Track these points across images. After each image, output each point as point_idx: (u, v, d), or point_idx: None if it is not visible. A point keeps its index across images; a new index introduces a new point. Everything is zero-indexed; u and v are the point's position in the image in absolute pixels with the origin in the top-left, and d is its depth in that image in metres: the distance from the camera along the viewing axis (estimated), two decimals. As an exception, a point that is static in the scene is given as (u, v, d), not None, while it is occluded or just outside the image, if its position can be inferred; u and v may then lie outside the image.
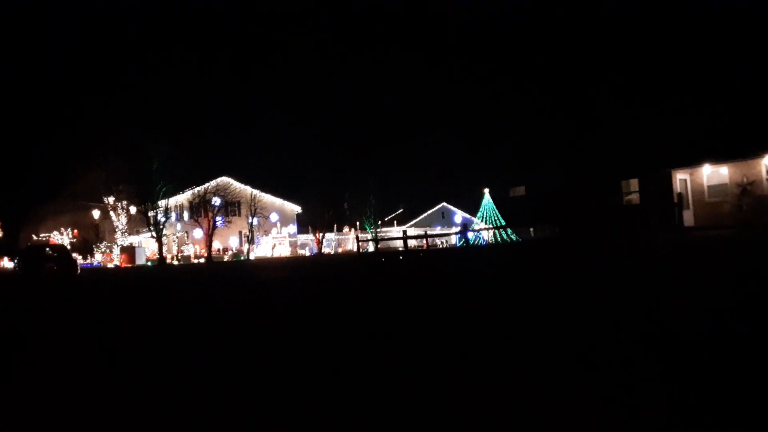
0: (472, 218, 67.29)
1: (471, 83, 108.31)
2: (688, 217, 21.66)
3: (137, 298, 12.19)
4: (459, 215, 67.11)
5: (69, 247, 53.99)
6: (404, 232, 35.29)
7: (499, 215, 57.94)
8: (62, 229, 56.24)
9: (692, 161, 20.99)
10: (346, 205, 49.31)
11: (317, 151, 54.64)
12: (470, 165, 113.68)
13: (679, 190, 21.59)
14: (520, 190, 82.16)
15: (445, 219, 65.74)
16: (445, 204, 66.09)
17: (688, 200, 21.61)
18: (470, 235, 51.19)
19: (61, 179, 51.68)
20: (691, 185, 21.80)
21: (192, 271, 27.22)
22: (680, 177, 21.76)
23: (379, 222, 55.73)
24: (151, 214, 40.93)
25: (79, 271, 20.27)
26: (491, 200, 58.56)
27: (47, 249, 21.36)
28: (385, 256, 24.14)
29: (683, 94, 20.94)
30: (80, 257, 54.84)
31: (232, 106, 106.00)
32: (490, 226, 54.33)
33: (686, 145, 20.68)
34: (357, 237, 38.19)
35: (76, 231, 57.57)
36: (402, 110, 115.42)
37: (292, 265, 28.30)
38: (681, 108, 20.78)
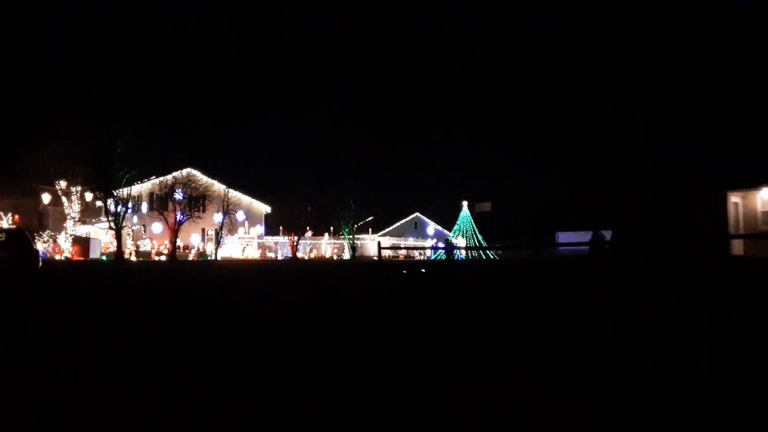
0: (445, 231, 65.43)
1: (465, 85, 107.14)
2: (737, 246, 19.99)
3: (128, 302, 9.09)
4: (432, 227, 65.08)
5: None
6: (448, 241, 32.60)
7: (476, 229, 56.17)
8: (0, 213, 50.64)
9: (748, 183, 19.40)
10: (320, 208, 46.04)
11: (294, 149, 51.38)
12: (446, 176, 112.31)
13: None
14: (486, 206, 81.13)
15: (418, 229, 63.54)
16: (418, 214, 63.92)
17: (738, 226, 20.01)
18: (457, 251, 49.25)
19: (3, 156, 46.35)
20: (743, 210, 20.23)
21: (164, 270, 23.68)
22: (733, 200, 20.15)
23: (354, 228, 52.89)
24: (110, 202, 36.62)
25: (40, 265, 16.44)
26: (469, 213, 56.74)
27: (3, 233, 16.74)
28: (405, 267, 21.42)
29: (741, 107, 19.28)
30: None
31: (202, 94, 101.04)
32: (475, 245, 52.36)
33: (741, 165, 19.02)
34: (379, 244, 35.08)
35: (17, 216, 52.02)
36: (380, 114, 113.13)
37: (275, 269, 25.15)
38: (736, 123, 19.12)
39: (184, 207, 39.53)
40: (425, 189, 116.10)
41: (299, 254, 45.82)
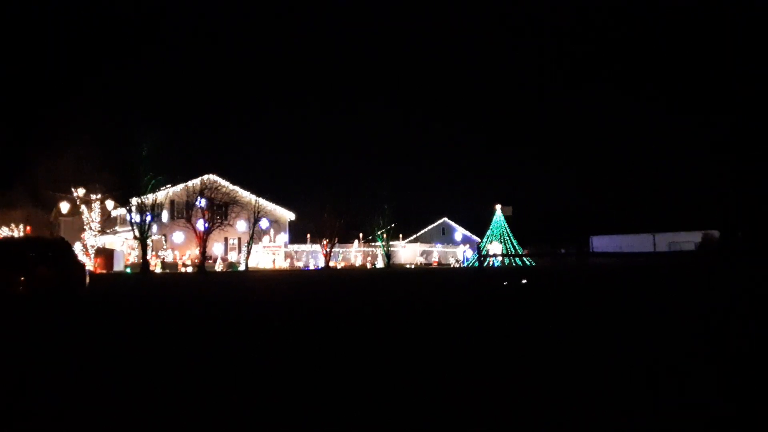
0: (473, 236, 62.73)
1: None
2: None
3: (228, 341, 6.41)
4: (459, 232, 62.41)
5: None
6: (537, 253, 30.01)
7: (511, 234, 53.47)
8: (12, 225, 48.01)
9: None
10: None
11: (315, 153, 48.78)
12: (469, 180, 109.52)
13: None
14: (506, 211, 78.41)
15: (446, 235, 60.82)
16: (446, 219, 61.21)
17: None
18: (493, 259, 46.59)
19: (18, 164, 43.82)
20: None
21: (206, 285, 20.98)
22: None
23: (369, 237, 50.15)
24: (134, 209, 33.89)
25: (88, 281, 13.63)
26: (503, 217, 54.04)
27: (32, 244, 13.85)
28: (506, 279, 18.70)
29: None
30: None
31: (225, 99, 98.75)
32: (513, 252, 49.59)
33: None
34: (503, 251, 32.31)
35: (29, 228, 49.38)
36: (402, 116, 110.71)
37: (328, 282, 22.42)
38: None
39: (211, 215, 36.80)
40: (451, 193, 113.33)
41: (332, 263, 43.07)
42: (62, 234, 54.60)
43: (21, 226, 47.38)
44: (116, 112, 34.99)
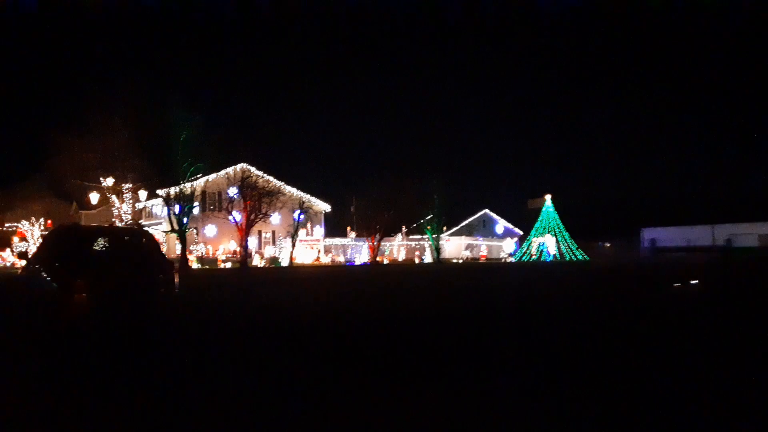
0: (515, 228, 59.32)
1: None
2: None
3: None
4: (501, 224, 58.98)
5: (41, 240, 43.09)
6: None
7: (562, 226, 50.03)
8: (32, 218, 44.94)
9: None
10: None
11: (357, 144, 45.47)
12: (507, 170, 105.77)
13: None
14: (541, 202, 74.81)
15: (487, 228, 57.40)
16: (487, 211, 57.77)
17: None
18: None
19: (38, 153, 40.69)
20: None
21: (271, 283, 17.75)
22: None
23: (413, 227, 46.75)
24: (171, 199, 30.65)
25: (177, 283, 9.87)
26: (553, 207, 50.57)
27: (106, 236, 9.80)
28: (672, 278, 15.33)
29: None
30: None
31: (259, 87, 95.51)
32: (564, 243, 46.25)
33: None
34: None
35: (50, 222, 46.35)
36: (445, 109, 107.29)
37: (408, 280, 19.12)
38: None
39: (253, 206, 33.52)
40: (489, 184, 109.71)
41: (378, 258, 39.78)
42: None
43: (42, 220, 44.23)
44: (150, 94, 31.69)
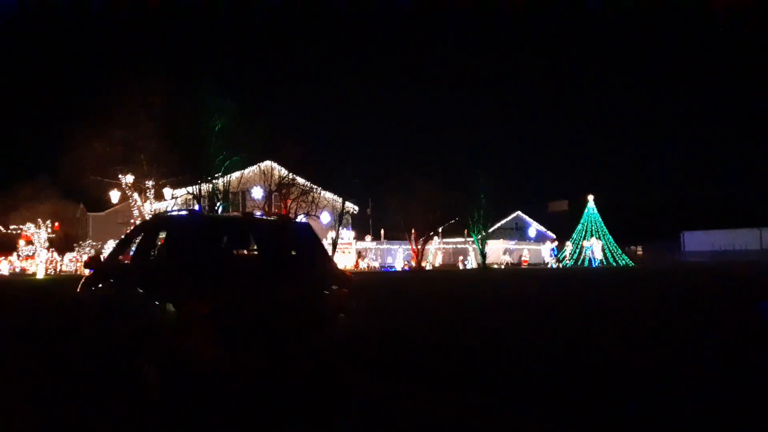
0: (548, 232, 56.34)
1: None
2: None
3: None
4: (534, 227, 55.97)
5: (47, 243, 39.57)
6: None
7: (605, 228, 47.03)
8: (39, 220, 41.25)
9: None
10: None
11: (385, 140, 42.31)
12: (537, 172, 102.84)
13: None
14: (562, 205, 71.71)
15: (519, 231, 54.37)
16: (519, 213, 54.79)
17: None
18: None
19: (45, 151, 37.32)
20: None
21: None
22: None
23: (440, 230, 43.63)
24: (203, 196, 27.35)
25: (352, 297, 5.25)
26: (595, 209, 47.56)
27: (250, 230, 5.92)
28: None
29: None
30: (58, 257, 40.32)
31: (283, 81, 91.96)
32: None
33: None
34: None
35: (57, 224, 42.84)
36: (474, 106, 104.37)
37: (525, 296, 15.92)
38: None
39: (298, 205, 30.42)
40: (520, 186, 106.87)
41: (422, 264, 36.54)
42: (91, 233, 48.20)
43: (48, 222, 40.65)
44: (178, 82, 28.42)
